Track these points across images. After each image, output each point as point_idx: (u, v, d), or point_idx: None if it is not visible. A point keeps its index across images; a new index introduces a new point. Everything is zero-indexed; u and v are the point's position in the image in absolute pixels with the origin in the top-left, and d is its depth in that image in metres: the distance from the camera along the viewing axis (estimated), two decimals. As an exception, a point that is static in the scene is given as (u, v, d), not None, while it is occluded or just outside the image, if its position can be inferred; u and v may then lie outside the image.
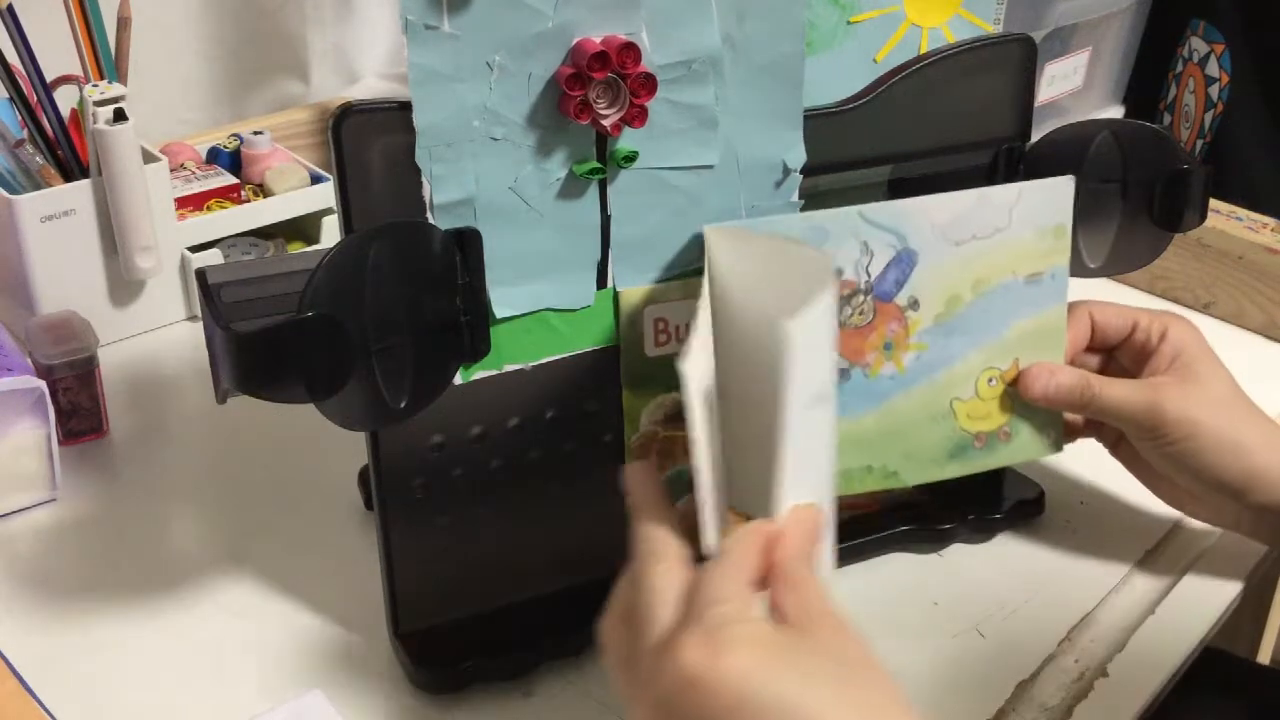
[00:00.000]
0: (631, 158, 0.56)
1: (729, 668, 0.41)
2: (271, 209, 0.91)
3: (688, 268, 0.59)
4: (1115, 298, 0.95)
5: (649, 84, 0.54)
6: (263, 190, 0.93)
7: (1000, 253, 0.62)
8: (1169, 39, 1.20)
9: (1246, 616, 0.98)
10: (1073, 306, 0.65)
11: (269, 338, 0.49)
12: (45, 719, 0.57)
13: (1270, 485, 0.61)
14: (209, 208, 0.90)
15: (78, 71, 0.83)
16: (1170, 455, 0.63)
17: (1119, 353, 0.67)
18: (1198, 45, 1.18)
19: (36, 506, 0.70)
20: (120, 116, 0.79)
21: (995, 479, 0.70)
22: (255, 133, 0.95)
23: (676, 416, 0.61)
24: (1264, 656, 0.98)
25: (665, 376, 0.60)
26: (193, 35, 1.05)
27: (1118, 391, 0.63)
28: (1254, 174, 1.14)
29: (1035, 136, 0.67)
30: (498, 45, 0.52)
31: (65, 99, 0.83)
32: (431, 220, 0.54)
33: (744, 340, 0.53)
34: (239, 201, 0.91)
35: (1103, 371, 0.66)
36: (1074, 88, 1.08)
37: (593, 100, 0.53)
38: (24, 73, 0.81)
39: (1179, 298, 0.94)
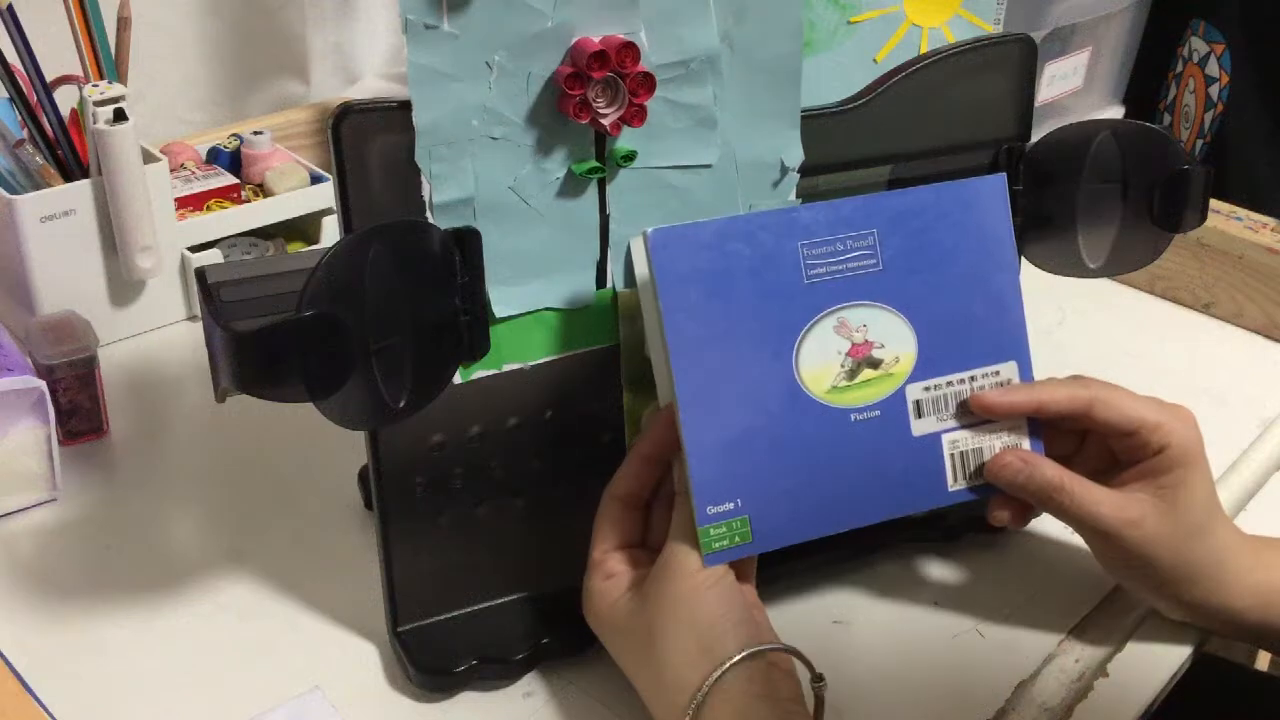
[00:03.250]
0: (630, 157, 0.56)
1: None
2: (271, 209, 0.91)
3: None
4: (1115, 297, 0.95)
5: (648, 83, 0.54)
6: (263, 190, 0.93)
7: None
8: (1169, 39, 1.20)
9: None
10: (1082, 383, 0.59)
11: (268, 337, 0.49)
12: (45, 719, 0.57)
13: (1212, 617, 0.60)
14: (209, 208, 0.90)
15: (78, 71, 0.83)
16: (1126, 575, 0.61)
17: (1116, 444, 0.60)
18: (1198, 45, 1.18)
19: (36, 506, 0.70)
20: (120, 116, 0.79)
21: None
22: (255, 133, 0.95)
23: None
24: (1261, 663, 0.98)
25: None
26: (193, 35, 1.05)
27: (1091, 500, 0.58)
28: (1254, 174, 1.14)
29: (1035, 136, 0.67)
30: (497, 45, 0.52)
31: (65, 99, 0.83)
32: (431, 219, 0.54)
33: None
34: (239, 201, 0.91)
35: (1081, 447, 0.62)
36: (1074, 88, 1.08)
37: (592, 99, 0.53)
38: (24, 73, 0.81)
39: (1179, 298, 0.94)
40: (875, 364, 0.56)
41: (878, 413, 0.56)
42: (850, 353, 0.56)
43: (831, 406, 0.56)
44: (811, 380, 0.55)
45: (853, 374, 0.56)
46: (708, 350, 0.53)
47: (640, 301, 0.57)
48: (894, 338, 0.57)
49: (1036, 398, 0.59)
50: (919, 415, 0.57)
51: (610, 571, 0.57)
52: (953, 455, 0.58)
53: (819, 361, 0.55)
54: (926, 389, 0.57)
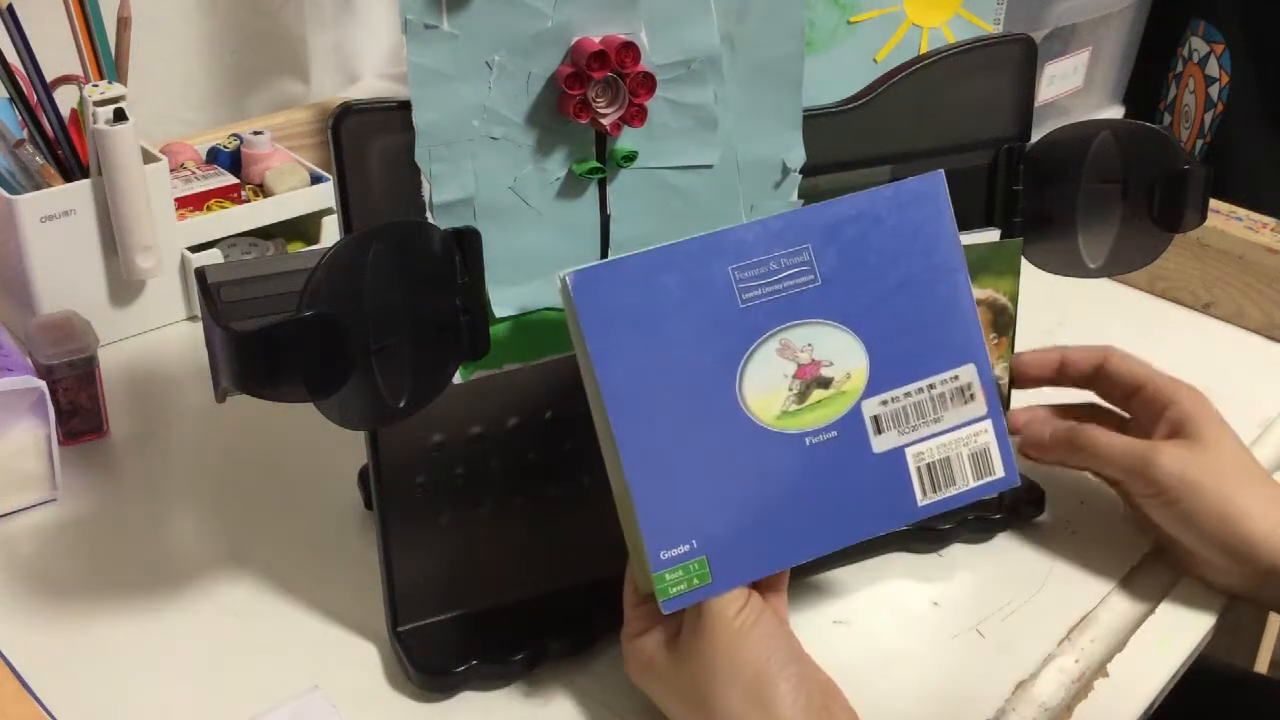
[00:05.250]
0: (631, 157, 0.56)
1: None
2: (271, 209, 0.91)
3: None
4: (1116, 298, 0.95)
5: (648, 83, 0.54)
6: (263, 190, 0.93)
7: None
8: (1169, 39, 1.21)
9: (1244, 625, 0.98)
10: (1098, 345, 0.68)
11: (268, 337, 0.49)
12: (45, 719, 0.57)
13: (1272, 551, 0.60)
14: (209, 208, 0.90)
15: (78, 71, 0.83)
16: (1169, 514, 0.62)
17: (1130, 404, 0.67)
18: (1198, 45, 1.18)
19: (36, 506, 0.70)
20: (120, 116, 0.79)
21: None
22: (255, 133, 0.94)
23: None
24: (1261, 665, 0.98)
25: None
26: (193, 35, 1.05)
27: (1113, 441, 0.64)
28: (1254, 174, 1.14)
29: (1035, 136, 0.67)
30: (497, 45, 0.52)
31: (65, 99, 0.83)
32: (431, 220, 0.54)
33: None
34: (239, 201, 0.91)
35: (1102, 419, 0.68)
36: (1074, 88, 1.08)
37: (592, 99, 0.53)
38: (24, 73, 0.81)
39: (1179, 298, 0.94)
40: (825, 383, 0.55)
41: (835, 433, 0.55)
42: (797, 374, 0.54)
43: (783, 433, 0.54)
44: (759, 408, 0.53)
45: (802, 396, 0.54)
46: (643, 390, 0.52)
47: (574, 343, 0.54)
48: (843, 354, 0.55)
49: (1060, 351, 0.69)
50: (879, 431, 0.56)
51: (642, 627, 0.57)
52: (919, 469, 0.57)
53: (765, 388, 0.53)
54: (884, 403, 0.56)
